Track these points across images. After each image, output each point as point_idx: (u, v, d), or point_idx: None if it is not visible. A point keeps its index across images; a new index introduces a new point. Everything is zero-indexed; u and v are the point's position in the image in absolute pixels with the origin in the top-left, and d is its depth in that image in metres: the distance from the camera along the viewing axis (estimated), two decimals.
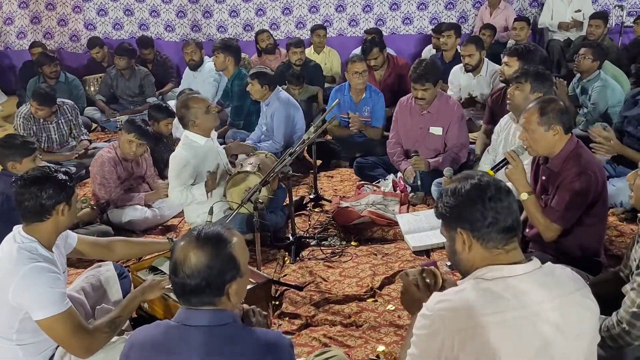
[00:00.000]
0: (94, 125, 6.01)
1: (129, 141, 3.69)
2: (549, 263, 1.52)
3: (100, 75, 6.46)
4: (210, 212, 2.68)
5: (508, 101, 3.29)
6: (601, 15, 5.77)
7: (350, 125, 4.61)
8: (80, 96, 6.00)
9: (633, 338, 1.88)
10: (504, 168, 2.74)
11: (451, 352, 1.39)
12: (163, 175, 4.14)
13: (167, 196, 3.61)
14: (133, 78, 6.15)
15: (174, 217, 3.88)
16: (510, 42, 6.40)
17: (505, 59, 3.98)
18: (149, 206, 3.80)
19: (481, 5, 6.92)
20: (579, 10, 6.32)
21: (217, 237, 1.49)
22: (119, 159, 3.75)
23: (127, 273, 2.68)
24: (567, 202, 2.52)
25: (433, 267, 1.81)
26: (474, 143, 4.28)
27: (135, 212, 3.69)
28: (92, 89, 6.41)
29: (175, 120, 4.36)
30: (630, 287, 1.95)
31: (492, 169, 2.84)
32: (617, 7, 6.68)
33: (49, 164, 2.68)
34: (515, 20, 6.01)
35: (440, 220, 1.60)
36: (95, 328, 2.08)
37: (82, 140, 4.87)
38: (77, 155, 4.66)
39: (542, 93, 3.11)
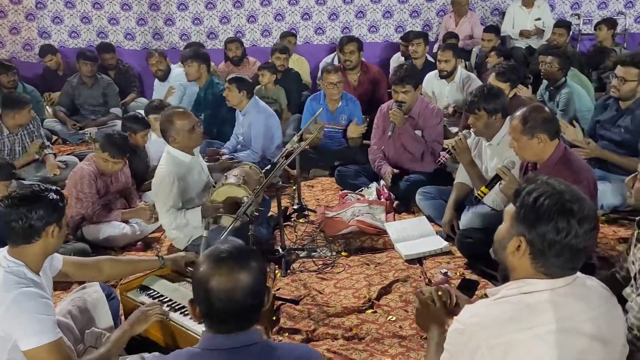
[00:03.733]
0: (54, 137, 5.72)
1: (104, 160, 3.50)
2: (579, 273, 1.51)
3: (57, 93, 6.11)
4: (207, 227, 2.55)
5: (473, 129, 3.27)
6: (564, 24, 6.02)
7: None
8: (40, 107, 5.69)
9: None
10: (498, 184, 2.80)
11: None
12: (139, 189, 3.97)
13: (151, 219, 3.50)
14: (96, 86, 5.87)
15: (153, 232, 3.72)
16: (475, 50, 6.59)
17: (501, 84, 3.89)
18: (126, 222, 3.60)
19: (445, 14, 7.06)
20: (539, 19, 6.54)
21: (247, 252, 1.46)
22: (98, 173, 3.54)
23: (115, 294, 2.53)
24: None
25: (447, 285, 1.83)
26: (446, 149, 4.30)
27: (113, 229, 3.49)
28: (48, 110, 5.96)
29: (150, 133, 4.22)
30: (636, 293, 1.99)
31: (486, 186, 2.88)
32: (573, 16, 6.95)
33: (37, 182, 2.51)
34: (485, 31, 6.13)
35: (509, 205, 1.48)
36: None
37: (47, 154, 4.59)
38: (54, 175, 4.37)
39: (501, 112, 3.14)
